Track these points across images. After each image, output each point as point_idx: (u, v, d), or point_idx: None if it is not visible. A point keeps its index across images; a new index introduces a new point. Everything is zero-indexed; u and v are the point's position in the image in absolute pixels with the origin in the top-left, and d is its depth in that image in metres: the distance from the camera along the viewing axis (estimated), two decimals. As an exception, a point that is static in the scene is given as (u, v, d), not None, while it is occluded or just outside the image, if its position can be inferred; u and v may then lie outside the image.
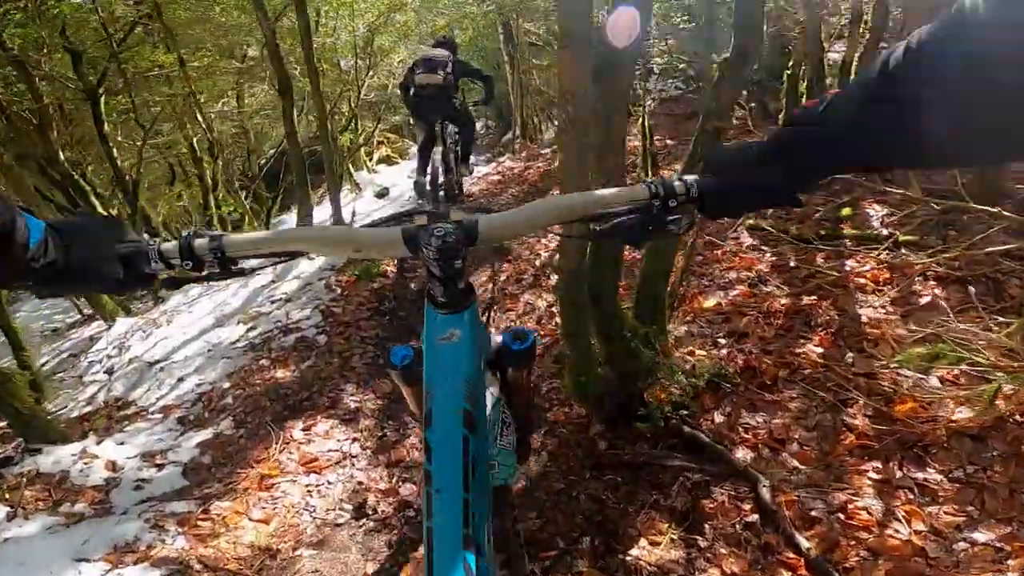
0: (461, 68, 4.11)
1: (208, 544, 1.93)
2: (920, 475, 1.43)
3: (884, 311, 1.93)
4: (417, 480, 2.03)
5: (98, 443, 2.67)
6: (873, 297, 2.00)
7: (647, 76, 4.91)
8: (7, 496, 2.31)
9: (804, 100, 3.30)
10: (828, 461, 1.55)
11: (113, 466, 2.51)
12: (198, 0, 4.26)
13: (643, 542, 1.51)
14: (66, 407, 3.29)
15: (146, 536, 2.00)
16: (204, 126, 4.60)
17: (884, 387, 1.64)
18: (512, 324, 2.68)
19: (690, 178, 0.62)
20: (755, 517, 1.47)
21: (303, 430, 2.35)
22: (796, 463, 1.58)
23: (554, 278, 2.95)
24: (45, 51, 3.97)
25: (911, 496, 1.39)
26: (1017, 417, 1.45)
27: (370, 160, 7.39)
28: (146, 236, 0.64)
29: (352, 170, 6.48)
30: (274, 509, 2.06)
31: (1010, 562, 1.19)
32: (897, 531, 1.33)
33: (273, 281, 3.67)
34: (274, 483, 2.17)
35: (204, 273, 0.64)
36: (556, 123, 7.52)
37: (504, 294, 2.99)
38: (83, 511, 2.27)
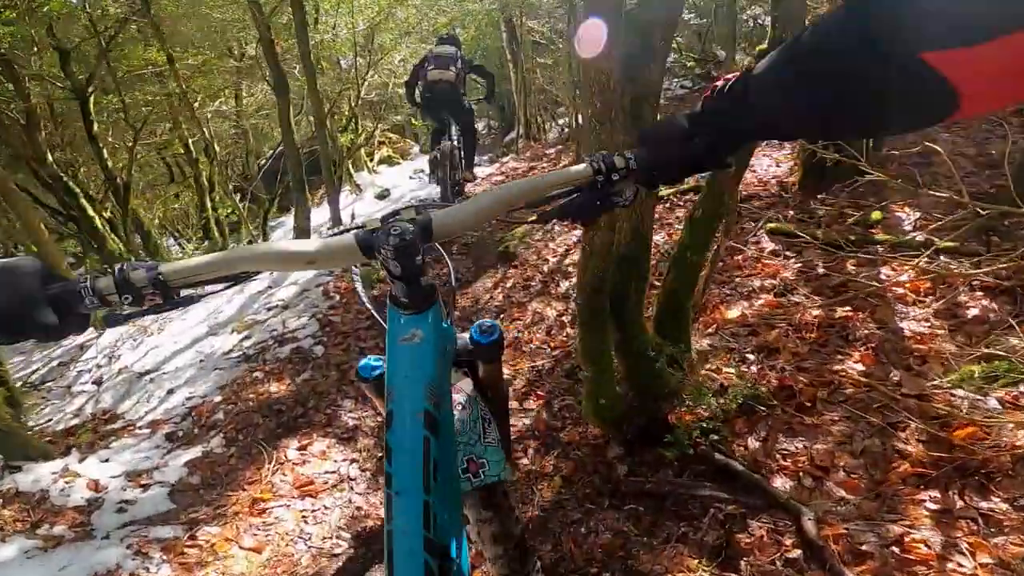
0: (468, 65, 4.24)
1: (195, 574, 1.79)
2: (984, 504, 1.29)
3: (928, 324, 1.77)
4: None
5: (81, 460, 2.53)
6: (914, 309, 1.84)
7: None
8: (-18, 518, 2.16)
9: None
10: (879, 490, 1.41)
11: (96, 486, 2.37)
12: (188, -5, 4.13)
13: (671, 580, 1.36)
14: (52, 420, 3.14)
15: (128, 564, 1.87)
16: (199, 126, 4.46)
17: (938, 409, 1.49)
18: (521, 335, 2.53)
19: (628, 152, 0.66)
20: (798, 552, 1.33)
21: (298, 449, 2.20)
22: (843, 493, 1.43)
23: (563, 285, 2.79)
24: (35, 49, 3.84)
25: (974, 527, 1.26)
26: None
27: (371, 161, 7.24)
28: (78, 272, 0.58)
29: (352, 171, 6.34)
30: (267, 536, 1.91)
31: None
32: (960, 565, 1.19)
33: (269, 287, 3.52)
34: (267, 508, 2.02)
35: (145, 307, 0.60)
36: (560, 123, 7.37)
37: (511, 302, 2.84)
38: (63, 534, 2.14)
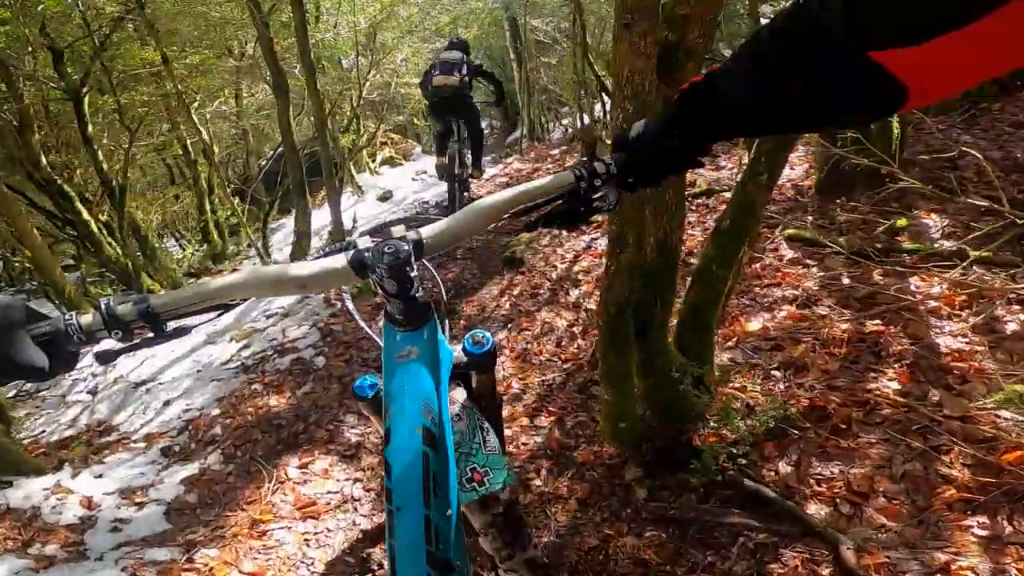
0: (473, 69, 4.36)
1: (192, 603, 1.70)
2: (1034, 530, 1.20)
3: (966, 341, 1.68)
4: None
5: (74, 476, 2.44)
6: (950, 323, 1.75)
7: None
8: (-28, 536, 2.07)
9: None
10: (922, 517, 1.33)
11: (89, 503, 2.28)
12: (183, -8, 4.01)
13: (700, 617, 1.27)
14: (45, 431, 3.05)
15: (124, 588, 1.78)
16: (195, 127, 4.36)
17: (983, 431, 1.40)
18: (530, 347, 2.43)
19: (608, 158, 0.67)
20: (836, 582, 1.24)
21: (299, 468, 2.11)
22: (883, 519, 1.35)
23: (573, 293, 2.70)
24: (30, 49, 3.74)
25: (1024, 552, 1.17)
26: None
27: (372, 162, 7.14)
28: (61, 311, 0.52)
29: (354, 172, 6.24)
30: (267, 560, 1.82)
31: None
32: (1011, 592, 1.10)
33: (269, 293, 3.43)
34: (267, 530, 1.93)
35: (137, 341, 0.59)
36: (564, 123, 7.27)
37: (519, 311, 2.74)
38: (55, 553, 2.05)
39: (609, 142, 4.48)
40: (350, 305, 1.02)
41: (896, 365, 1.66)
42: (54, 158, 4.07)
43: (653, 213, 1.08)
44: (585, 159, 0.68)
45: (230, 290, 0.61)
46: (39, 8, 3.43)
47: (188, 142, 5.08)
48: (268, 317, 3.19)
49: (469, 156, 4.47)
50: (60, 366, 0.55)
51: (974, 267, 1.90)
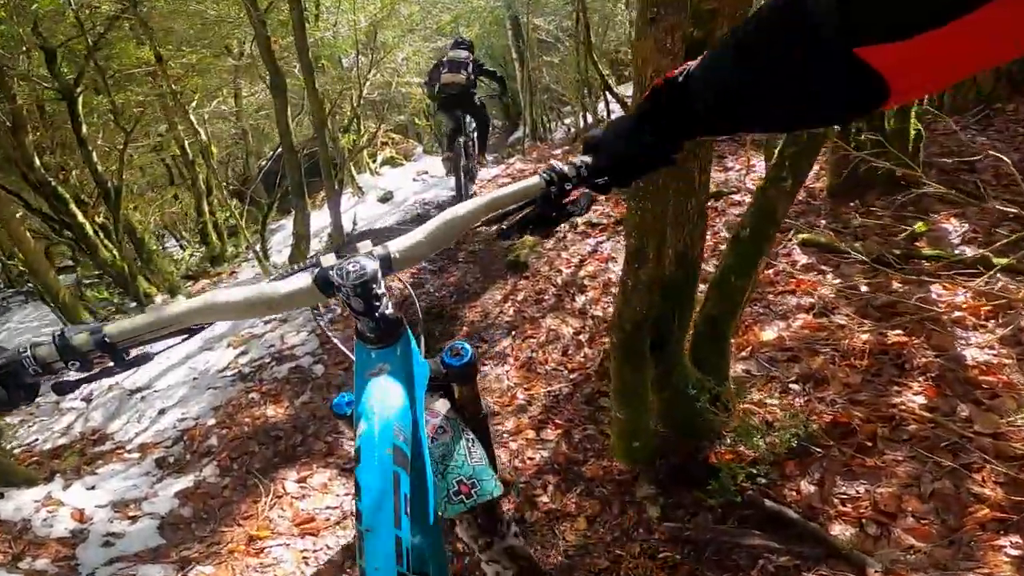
0: (478, 68, 4.66)
1: (186, 624, 1.64)
2: (1071, 552, 1.14)
3: (992, 353, 1.60)
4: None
5: (65, 487, 2.37)
6: (975, 334, 1.67)
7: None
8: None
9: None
10: (954, 537, 1.27)
11: (81, 516, 2.22)
12: (177, -11, 3.92)
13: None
14: (38, 439, 2.98)
15: (115, 607, 1.71)
16: (191, 128, 4.28)
17: (1015, 449, 1.33)
18: (535, 355, 2.36)
19: (578, 160, 0.66)
20: (864, 606, 1.18)
21: (297, 482, 2.04)
22: (912, 540, 1.29)
23: (579, 300, 2.63)
24: (24, 49, 3.66)
25: (1060, 575, 1.11)
26: None
27: (373, 162, 7.06)
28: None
29: (354, 173, 6.16)
30: (264, 580, 1.75)
31: None
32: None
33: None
34: (264, 547, 1.86)
35: (96, 371, 0.58)
36: (566, 122, 7.20)
37: (523, 317, 2.67)
38: (46, 568, 1.99)
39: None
40: (322, 321, 1.01)
41: (921, 378, 1.58)
42: (49, 159, 3.99)
43: (673, 223, 1.01)
44: (554, 163, 0.66)
45: (190, 315, 0.59)
46: (33, 7, 3.36)
47: (186, 142, 5.01)
48: (266, 323, 3.12)
49: (475, 148, 4.78)
50: (19, 398, 0.55)
51: (998, 275, 1.83)
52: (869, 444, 1.45)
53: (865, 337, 1.76)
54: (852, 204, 2.59)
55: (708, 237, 2.75)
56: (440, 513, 0.87)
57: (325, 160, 3.93)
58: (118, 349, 0.56)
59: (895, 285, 1.97)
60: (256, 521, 1.94)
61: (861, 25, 0.35)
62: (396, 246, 0.64)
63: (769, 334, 1.97)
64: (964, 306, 1.76)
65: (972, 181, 2.43)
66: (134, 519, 2.14)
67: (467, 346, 0.91)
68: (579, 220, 3.21)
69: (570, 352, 2.31)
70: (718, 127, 0.58)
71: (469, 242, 3.62)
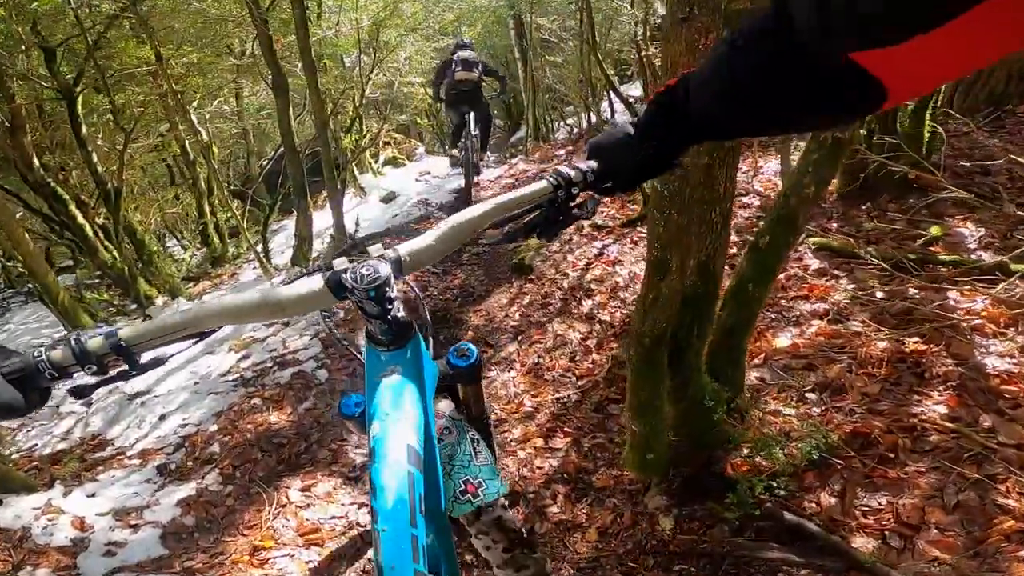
0: (484, 68, 4.99)
1: (188, 638, 1.60)
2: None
3: (1013, 362, 1.57)
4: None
5: (65, 494, 2.34)
6: (995, 342, 1.63)
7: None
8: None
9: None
10: (979, 549, 1.23)
11: (81, 524, 2.18)
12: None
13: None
14: (38, 444, 2.94)
15: (117, 619, 1.68)
16: (192, 128, 4.23)
17: (1041, 464, 1.29)
18: (542, 361, 2.32)
19: (583, 165, 0.67)
20: (886, 627, 1.14)
21: (301, 490, 2.00)
22: (936, 552, 1.26)
23: (586, 304, 2.59)
24: (23, 48, 3.62)
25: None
26: None
27: (375, 162, 7.02)
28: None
29: (357, 173, 6.12)
30: (268, 592, 1.72)
31: None
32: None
33: (269, 300, 3.31)
34: (268, 557, 1.82)
35: (112, 374, 0.58)
36: (568, 123, 7.15)
37: (529, 321, 2.63)
38: (46, 577, 1.94)
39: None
40: (329, 323, 1.00)
41: (941, 387, 1.55)
42: (48, 159, 3.95)
43: (697, 233, 0.97)
44: (561, 167, 0.67)
45: (203, 319, 0.59)
46: (32, 5, 3.32)
47: (187, 142, 4.96)
48: (268, 326, 3.08)
49: (478, 143, 5.02)
50: (35, 402, 0.55)
51: (1017, 282, 1.79)
52: (891, 455, 1.41)
53: (882, 345, 1.72)
54: (864, 207, 2.55)
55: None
56: (448, 512, 0.88)
57: (327, 161, 3.89)
58: (133, 353, 0.57)
59: (911, 291, 1.93)
60: (260, 531, 1.91)
61: (846, 29, 0.34)
62: (406, 249, 0.64)
63: (783, 341, 1.93)
64: (983, 313, 1.72)
65: (987, 184, 2.39)
66: (136, 528, 2.11)
67: (472, 347, 0.92)
68: (585, 223, 3.17)
69: (578, 358, 2.28)
70: (718, 133, 0.59)
71: (473, 244, 3.58)
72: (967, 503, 1.32)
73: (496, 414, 2.11)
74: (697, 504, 1.54)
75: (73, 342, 0.55)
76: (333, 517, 1.89)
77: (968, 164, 2.22)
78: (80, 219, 3.72)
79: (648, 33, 4.69)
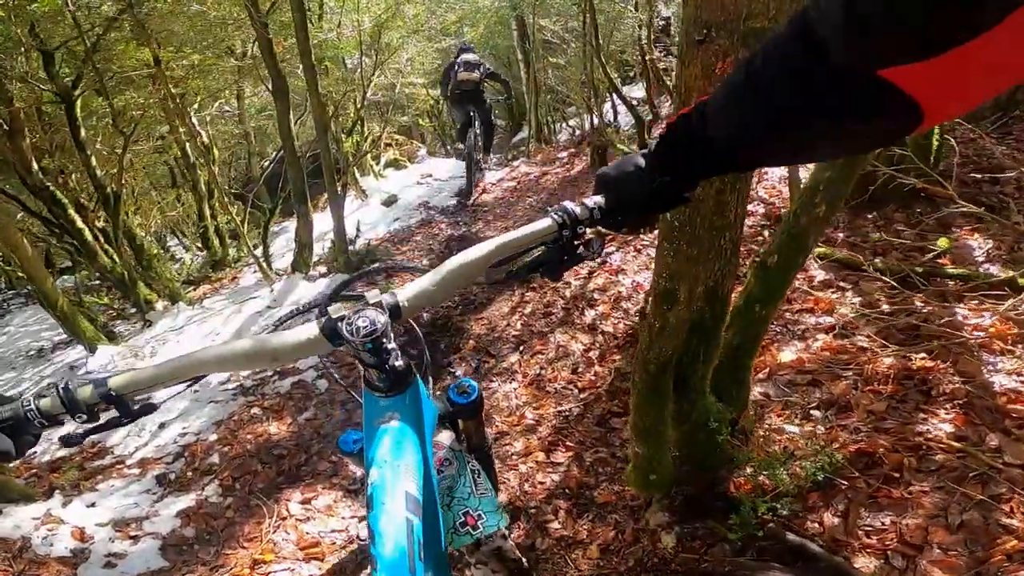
0: (488, 72, 5.24)
1: (188, 653, 1.59)
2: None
3: (1021, 380, 1.55)
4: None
5: (65, 504, 2.33)
6: (1003, 360, 1.61)
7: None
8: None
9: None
10: (981, 569, 1.22)
11: (81, 534, 2.17)
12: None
13: None
14: (37, 451, 2.93)
15: (119, 633, 1.67)
16: (190, 131, 4.21)
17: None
18: (544, 372, 2.30)
19: (590, 201, 0.65)
20: (890, 646, 1.13)
21: (301, 503, 1.99)
22: (939, 572, 1.24)
23: (588, 314, 2.57)
24: (22, 50, 3.60)
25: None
26: None
27: (376, 164, 6.99)
28: (20, 395, 0.56)
29: (358, 175, 6.10)
30: (268, 607, 1.71)
31: None
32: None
33: (269, 307, 3.30)
34: (269, 571, 1.81)
35: (103, 422, 0.58)
36: (570, 124, 7.12)
37: (531, 331, 2.61)
38: (46, 588, 1.94)
39: (620, 147, 4.34)
40: (327, 365, 1.06)
41: (948, 405, 1.53)
42: (48, 163, 3.93)
43: (705, 260, 0.95)
44: (565, 204, 0.65)
45: (195, 367, 0.59)
46: (31, 7, 3.30)
47: (187, 145, 4.94)
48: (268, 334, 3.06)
49: (481, 142, 5.30)
50: (24, 448, 0.55)
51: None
52: (895, 474, 1.39)
53: (889, 361, 1.70)
54: (871, 216, 2.52)
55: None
56: (448, 544, 0.87)
57: (328, 164, 3.87)
58: (123, 400, 0.56)
59: (918, 304, 1.91)
60: (260, 544, 1.89)
61: (875, 45, 0.31)
62: (405, 294, 0.64)
63: (787, 355, 1.91)
64: (991, 330, 1.70)
65: (995, 194, 2.37)
66: (136, 539, 2.10)
67: (474, 384, 0.92)
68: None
69: (580, 370, 2.26)
70: (741, 164, 0.56)
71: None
72: (971, 523, 1.30)
73: (497, 426, 2.10)
74: (699, 522, 1.52)
75: (62, 391, 0.54)
76: (333, 531, 1.88)
77: (979, 176, 2.19)
78: (79, 223, 3.70)
79: (652, 36, 4.65)
